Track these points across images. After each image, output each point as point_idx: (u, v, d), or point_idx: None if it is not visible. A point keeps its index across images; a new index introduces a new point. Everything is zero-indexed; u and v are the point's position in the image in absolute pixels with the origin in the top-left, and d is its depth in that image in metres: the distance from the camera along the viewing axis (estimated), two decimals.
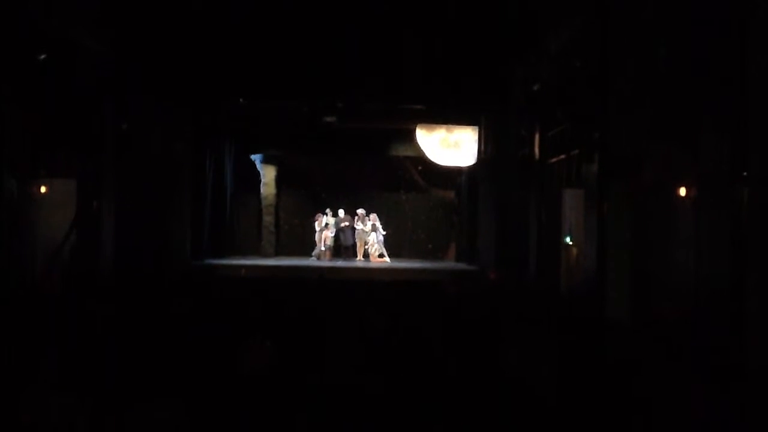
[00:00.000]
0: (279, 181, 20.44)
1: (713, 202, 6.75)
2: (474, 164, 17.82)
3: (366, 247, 18.95)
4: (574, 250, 11.90)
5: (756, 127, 5.88)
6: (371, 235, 18.85)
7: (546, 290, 12.33)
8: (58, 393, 4.73)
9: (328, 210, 19.32)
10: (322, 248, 18.99)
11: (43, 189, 11.65)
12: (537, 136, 13.77)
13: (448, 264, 19.32)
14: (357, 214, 19.13)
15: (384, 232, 19.03)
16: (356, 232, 19.11)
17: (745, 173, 6.15)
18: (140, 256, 13.46)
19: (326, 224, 19.15)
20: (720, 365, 5.81)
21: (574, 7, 11.21)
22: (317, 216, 19.17)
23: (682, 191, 7.54)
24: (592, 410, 5.28)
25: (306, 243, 19.54)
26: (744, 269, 5.91)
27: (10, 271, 10.15)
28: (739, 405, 5.26)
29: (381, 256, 18.78)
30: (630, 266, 8.64)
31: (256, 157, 20.15)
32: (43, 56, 10.41)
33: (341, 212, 19.34)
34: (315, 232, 19.21)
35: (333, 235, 19.23)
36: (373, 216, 18.99)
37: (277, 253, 20.07)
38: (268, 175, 20.33)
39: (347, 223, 19.25)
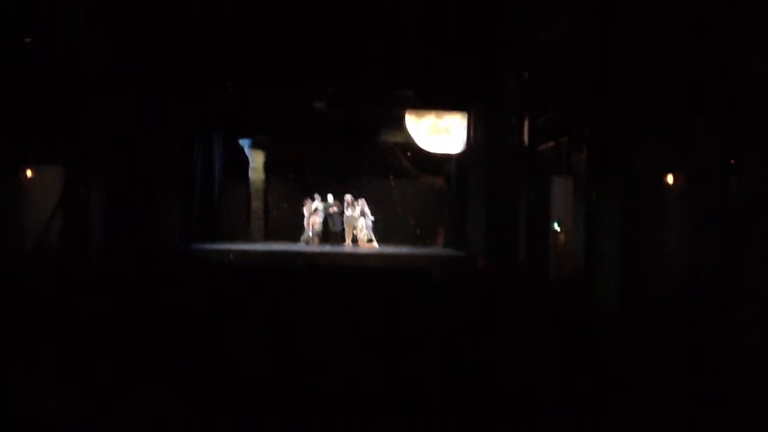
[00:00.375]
0: (268, 166, 20.36)
1: (703, 192, 6.79)
2: (463, 151, 17.80)
3: (354, 232, 18.95)
4: (563, 237, 11.96)
5: (747, 119, 5.91)
6: (360, 220, 18.84)
7: (535, 277, 12.39)
8: (49, 382, 4.72)
9: (316, 195, 19.28)
10: (311, 234, 18.98)
11: (29, 175, 11.58)
12: (527, 124, 13.78)
13: (437, 250, 19.35)
14: (345, 200, 19.10)
15: (372, 218, 19.02)
16: (345, 217, 19.09)
17: (733, 162, 6.18)
18: (129, 241, 13.42)
19: (315, 209, 19.12)
20: (709, 354, 5.87)
21: (566, 3, 11.21)
22: (305, 201, 19.14)
23: (672, 182, 7.58)
24: (581, 396, 5.32)
25: (295, 228, 19.51)
26: (733, 259, 5.96)
27: None
28: (728, 395, 5.31)
29: (369, 241, 18.79)
30: (619, 254, 8.69)
31: (244, 143, 20.06)
32: (29, 44, 10.32)
33: (330, 197, 19.31)
34: (303, 217, 19.19)
35: (321, 220, 19.21)
36: (362, 201, 18.97)
37: (266, 238, 20.03)
38: (256, 160, 20.25)
39: (335, 209, 19.23)
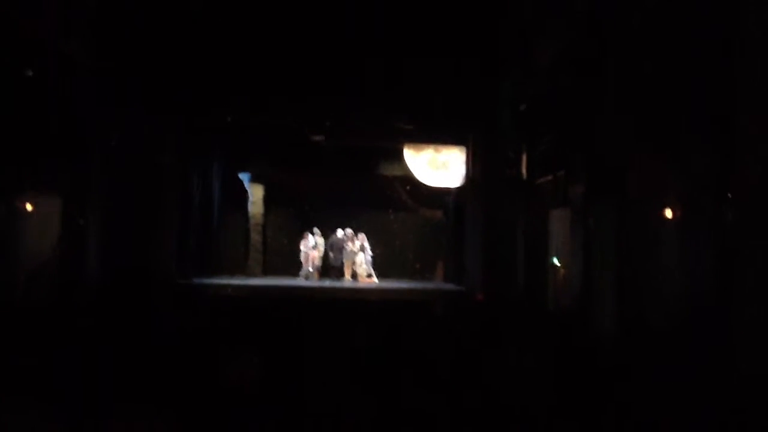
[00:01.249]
0: (267, 199, 20.40)
1: (699, 217, 6.78)
2: (462, 184, 17.85)
3: (354, 267, 18.89)
4: (562, 271, 11.92)
5: (742, 142, 5.92)
6: (359, 254, 18.80)
7: (534, 310, 12.33)
8: (42, 408, 4.67)
9: (315, 229, 19.26)
10: (310, 269, 18.91)
11: (28, 205, 11.57)
12: (524, 156, 13.83)
13: (436, 284, 19.28)
14: (345, 234, 19.08)
15: (371, 253, 18.98)
16: (344, 252, 19.04)
17: (729, 192, 6.19)
18: (125, 274, 13.35)
19: (315, 244, 19.07)
20: (707, 378, 5.81)
21: (561, 28, 11.32)
22: (304, 236, 19.09)
23: (668, 207, 7.58)
24: (582, 425, 5.26)
25: (294, 262, 19.46)
26: (730, 283, 5.93)
27: None
28: (727, 418, 5.25)
29: (369, 276, 18.73)
30: (616, 283, 8.65)
31: (243, 176, 20.11)
32: (29, 69, 10.36)
33: (339, 231, 19.20)
34: (300, 252, 19.10)
35: (321, 254, 19.15)
36: (362, 236, 18.96)
37: (265, 273, 19.97)
38: (255, 194, 20.30)
39: (334, 245, 19.15)
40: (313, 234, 19.12)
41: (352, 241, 18.91)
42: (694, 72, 6.84)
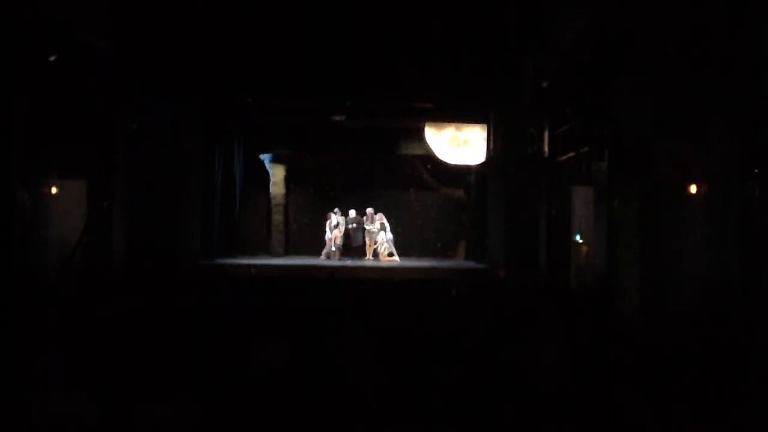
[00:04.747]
0: (288, 180, 20.45)
1: (724, 198, 6.72)
2: (483, 162, 17.78)
3: (375, 246, 18.94)
4: (584, 248, 11.88)
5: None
6: (380, 234, 18.83)
7: (556, 288, 12.30)
8: (68, 393, 4.75)
9: (336, 209, 19.31)
10: (333, 248, 18.99)
11: (54, 189, 11.71)
12: (546, 134, 13.74)
13: (458, 262, 19.29)
14: (366, 214, 19.12)
15: (391, 234, 18.98)
16: (366, 231, 19.09)
17: (756, 170, 6.12)
18: (151, 256, 13.50)
19: (337, 223, 19.14)
20: (730, 361, 5.79)
21: (582, 4, 11.19)
22: (329, 216, 19.14)
23: (693, 188, 7.52)
24: (603, 407, 5.27)
25: (316, 242, 19.54)
26: (755, 265, 5.88)
27: (24, 272, 10.21)
28: (748, 401, 5.24)
29: (390, 255, 18.77)
30: (640, 263, 8.61)
31: (265, 157, 20.17)
32: (53, 57, 10.43)
33: (352, 212, 19.32)
34: (324, 231, 19.18)
35: (342, 234, 19.21)
36: (380, 215, 18.97)
37: (287, 253, 20.08)
38: (277, 174, 20.35)
39: (355, 224, 19.21)
40: (335, 213, 19.17)
41: (372, 220, 18.95)
42: (719, 50, 6.75)
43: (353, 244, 19.30)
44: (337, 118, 17.18)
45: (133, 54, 13.26)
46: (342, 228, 19.17)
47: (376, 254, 18.87)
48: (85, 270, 11.82)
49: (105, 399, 4.75)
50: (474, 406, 5.37)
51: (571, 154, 12.62)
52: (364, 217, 19.12)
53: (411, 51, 14.64)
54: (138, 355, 6.02)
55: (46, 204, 11.53)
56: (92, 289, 10.86)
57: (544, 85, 13.42)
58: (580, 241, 12.11)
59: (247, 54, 14.67)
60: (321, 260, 18.72)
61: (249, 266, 16.77)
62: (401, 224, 19.89)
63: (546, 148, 13.72)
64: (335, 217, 19.11)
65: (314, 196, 20.72)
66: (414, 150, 19.28)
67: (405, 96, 15.95)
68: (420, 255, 19.85)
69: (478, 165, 18.14)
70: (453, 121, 17.82)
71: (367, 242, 19.04)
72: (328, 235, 19.01)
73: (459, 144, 18.05)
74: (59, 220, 11.78)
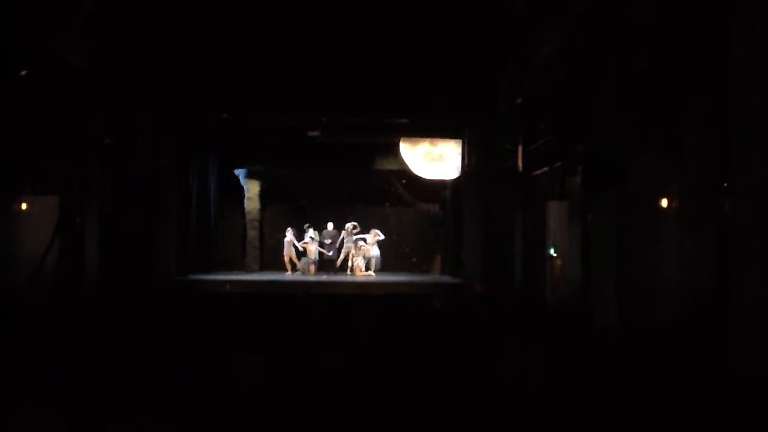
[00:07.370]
0: (263, 195, 20.38)
1: (697, 210, 6.80)
2: (458, 177, 17.86)
3: (352, 261, 18.85)
4: (559, 262, 11.95)
5: (740, 136, 5.93)
6: (374, 248, 18.78)
7: (531, 301, 12.35)
8: (40, 409, 4.67)
9: (307, 225, 19.29)
10: (310, 260, 18.94)
11: (25, 205, 11.56)
12: (520, 149, 13.84)
13: (434, 277, 19.32)
14: (345, 228, 19.11)
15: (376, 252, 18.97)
16: (344, 246, 19.06)
17: (727, 183, 6.20)
18: (125, 271, 13.36)
19: (311, 238, 19.10)
20: (707, 372, 5.84)
21: (557, 20, 11.31)
22: (286, 232, 19.01)
23: (666, 201, 7.59)
24: (582, 419, 5.28)
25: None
26: (729, 277, 5.95)
27: None
28: (727, 412, 5.28)
29: (367, 269, 18.74)
30: (615, 276, 8.67)
31: (239, 172, 20.10)
32: (26, 70, 10.33)
33: (330, 225, 19.27)
34: (296, 247, 19.06)
35: (316, 249, 19.16)
36: (374, 231, 18.92)
37: (262, 268, 19.98)
38: (251, 189, 20.27)
39: (329, 240, 19.18)
40: (306, 230, 19.13)
41: (350, 234, 18.94)
42: (693, 64, 6.84)
43: (327, 258, 19.24)
44: (312, 133, 17.17)
45: (108, 69, 13.17)
46: (316, 242, 19.12)
47: (351, 269, 18.79)
48: (57, 286, 11.66)
49: (77, 417, 4.68)
50: (451, 420, 5.36)
51: (546, 168, 12.73)
52: (343, 232, 19.10)
53: (386, 67, 14.69)
54: (111, 371, 5.94)
55: (17, 220, 11.37)
56: (64, 306, 10.71)
57: (519, 100, 13.53)
58: (555, 255, 12.18)
59: (222, 70, 14.65)
60: (296, 275, 18.65)
61: (224, 282, 16.66)
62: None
63: (520, 163, 13.81)
64: (307, 233, 19.08)
65: (289, 211, 20.66)
66: (389, 165, 19.33)
67: (380, 112, 15.99)
68: (396, 270, 19.84)
69: (453, 180, 18.22)
70: (428, 137, 17.89)
71: (351, 256, 18.92)
72: (285, 251, 18.87)
73: (434, 159, 18.12)
74: (31, 237, 11.62)
